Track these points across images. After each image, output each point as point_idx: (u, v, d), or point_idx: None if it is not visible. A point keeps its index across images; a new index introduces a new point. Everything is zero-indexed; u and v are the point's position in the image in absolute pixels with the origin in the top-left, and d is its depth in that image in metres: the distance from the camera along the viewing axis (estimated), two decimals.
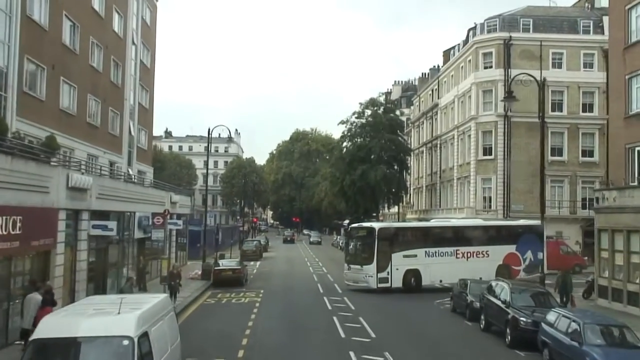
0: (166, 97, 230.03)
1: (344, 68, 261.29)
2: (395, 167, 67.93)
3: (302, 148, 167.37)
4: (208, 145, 40.53)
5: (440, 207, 63.66)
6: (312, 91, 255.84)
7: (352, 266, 34.64)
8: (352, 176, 64.85)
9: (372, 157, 67.20)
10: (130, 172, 42.51)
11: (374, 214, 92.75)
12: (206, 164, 41.43)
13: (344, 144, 69.60)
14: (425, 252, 34.62)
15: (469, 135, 54.95)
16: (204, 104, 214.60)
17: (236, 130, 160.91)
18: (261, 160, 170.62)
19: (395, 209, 77.16)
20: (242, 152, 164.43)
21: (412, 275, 33.96)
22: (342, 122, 68.85)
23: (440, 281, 34.76)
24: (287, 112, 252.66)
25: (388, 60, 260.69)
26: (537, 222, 40.06)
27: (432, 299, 31.65)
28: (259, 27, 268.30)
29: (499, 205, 51.62)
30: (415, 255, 34.25)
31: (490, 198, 52.59)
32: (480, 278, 31.79)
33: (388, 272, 33.22)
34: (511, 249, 37.32)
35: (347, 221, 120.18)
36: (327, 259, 62.41)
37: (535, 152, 51.65)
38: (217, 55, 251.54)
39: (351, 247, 36.20)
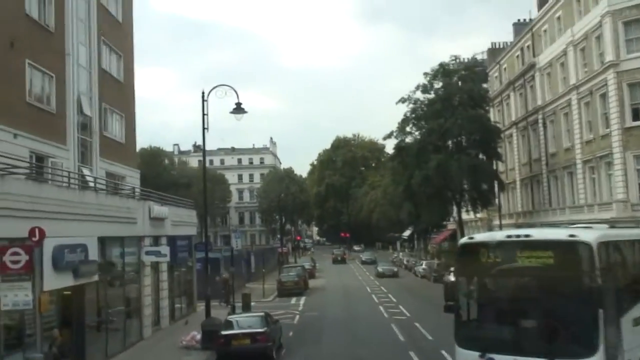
0: (195, 111, 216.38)
1: (375, 83, 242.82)
2: (481, 155, 49.94)
3: (346, 155, 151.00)
4: (202, 111, 23.76)
5: (550, 206, 45.38)
6: (346, 108, 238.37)
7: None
8: (424, 171, 47.05)
9: (448, 143, 49.52)
10: (87, 174, 25.97)
11: (445, 222, 74.85)
12: (203, 145, 24.80)
13: (407, 128, 51.81)
14: None
15: (603, 95, 36.85)
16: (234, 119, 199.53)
17: (271, 139, 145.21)
18: (302, 172, 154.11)
19: (479, 214, 58.72)
20: (280, 163, 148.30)
21: None
22: (402, 100, 51.14)
23: None
24: (323, 128, 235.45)
25: (423, 69, 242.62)
26: None
27: None
28: (281, 44, 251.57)
29: None
30: None
31: None
32: None
33: None
34: None
35: (407, 232, 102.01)
36: (399, 289, 44.77)
37: None
38: (245, 72, 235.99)
39: (498, 300, 12.73)
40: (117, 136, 31.63)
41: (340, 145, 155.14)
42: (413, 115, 51.43)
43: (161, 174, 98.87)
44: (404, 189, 51.59)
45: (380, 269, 60.80)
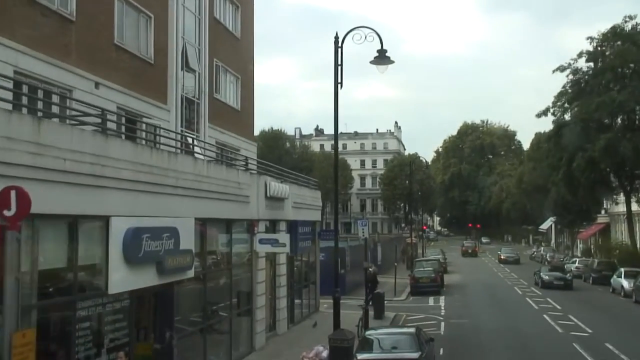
0: (317, 99, 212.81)
1: (502, 71, 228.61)
2: None
3: (474, 143, 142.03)
4: (335, 61, 18.11)
5: None
6: (471, 96, 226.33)
7: None
8: (589, 152, 39.25)
9: (617, 120, 41.41)
10: (189, 137, 21.15)
11: (596, 214, 65.33)
12: (335, 104, 18.67)
13: (566, 104, 43.90)
14: None
15: None
16: (358, 99, 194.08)
17: (396, 123, 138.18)
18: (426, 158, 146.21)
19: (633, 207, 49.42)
20: (404, 148, 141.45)
21: None
22: (561, 69, 43.35)
23: None
24: (447, 116, 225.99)
25: (554, 59, 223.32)
26: None
27: None
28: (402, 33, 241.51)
29: None
30: None
31: None
32: None
33: None
34: None
35: (546, 224, 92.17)
36: (557, 292, 37.14)
37: None
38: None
39: None
40: (231, 101, 26.80)
41: (468, 131, 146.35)
42: (573, 89, 43.51)
43: (282, 157, 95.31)
44: (562, 175, 43.69)
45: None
